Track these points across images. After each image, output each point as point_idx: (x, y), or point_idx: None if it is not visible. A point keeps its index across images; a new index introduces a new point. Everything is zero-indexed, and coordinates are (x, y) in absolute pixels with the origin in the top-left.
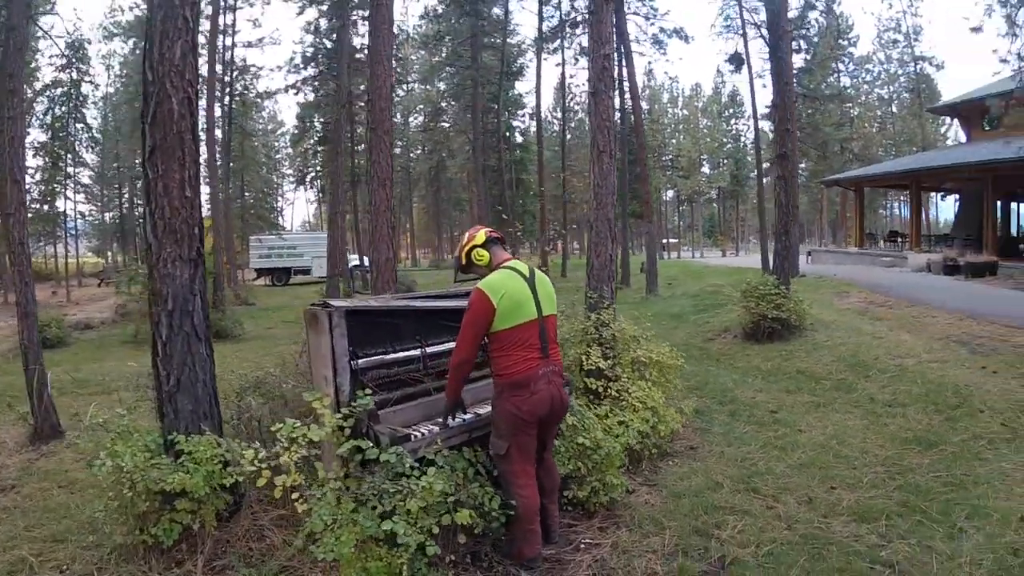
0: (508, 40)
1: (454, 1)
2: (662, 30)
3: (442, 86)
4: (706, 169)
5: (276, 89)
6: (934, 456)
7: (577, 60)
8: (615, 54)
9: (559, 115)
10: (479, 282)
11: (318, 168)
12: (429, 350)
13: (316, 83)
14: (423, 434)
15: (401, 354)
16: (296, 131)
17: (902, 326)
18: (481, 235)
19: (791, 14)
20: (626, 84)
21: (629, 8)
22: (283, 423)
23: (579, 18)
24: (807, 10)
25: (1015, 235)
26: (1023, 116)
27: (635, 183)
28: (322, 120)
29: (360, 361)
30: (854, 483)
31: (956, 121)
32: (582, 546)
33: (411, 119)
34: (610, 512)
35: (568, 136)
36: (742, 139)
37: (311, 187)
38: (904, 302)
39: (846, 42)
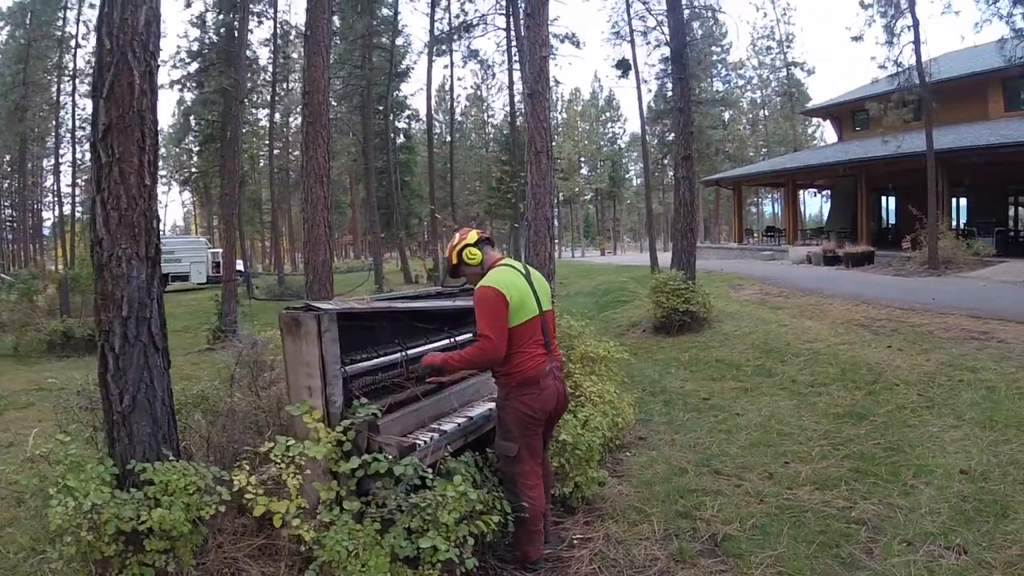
0: (396, 41)
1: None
2: (555, 35)
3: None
4: (584, 171)
5: (160, 84)
6: (867, 427)
7: (465, 63)
8: (509, 59)
9: (440, 117)
10: (482, 280)
11: (193, 169)
12: (410, 353)
13: (200, 79)
14: (425, 442)
15: (386, 359)
16: (174, 129)
17: (803, 313)
18: (473, 235)
19: None
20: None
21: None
22: (274, 441)
23: (474, 20)
24: (691, 19)
25: (886, 227)
26: (899, 117)
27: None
28: (210, 117)
29: (347, 368)
30: (805, 457)
31: (828, 122)
32: (575, 542)
33: (291, 119)
34: (590, 506)
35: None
36: (618, 142)
37: (190, 188)
38: (798, 292)
39: (719, 48)
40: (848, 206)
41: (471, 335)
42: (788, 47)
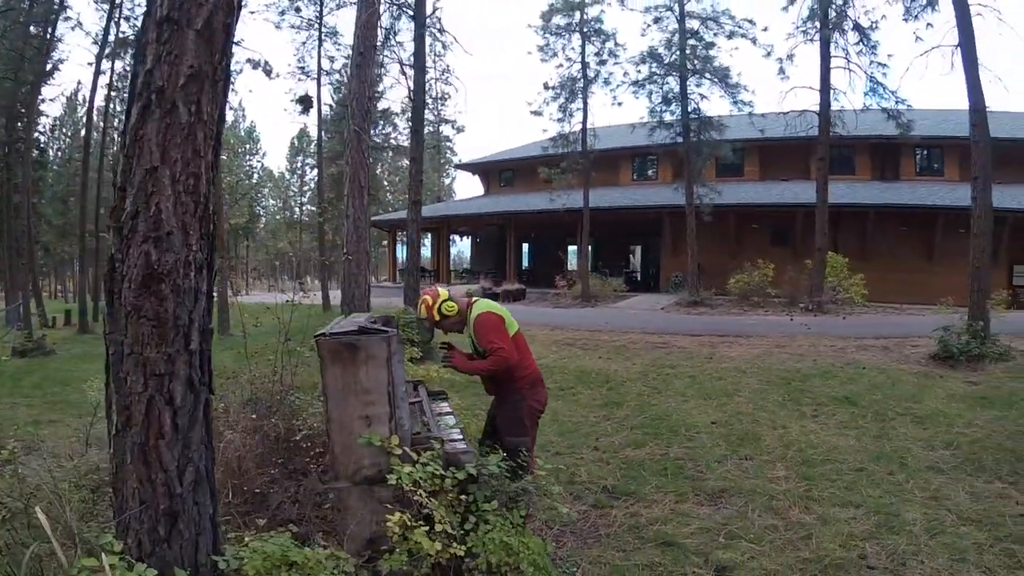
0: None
1: None
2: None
3: None
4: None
5: None
6: (628, 410)
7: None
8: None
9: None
10: (476, 309)
11: None
12: None
13: None
14: (465, 446)
15: None
16: None
17: None
18: (444, 291)
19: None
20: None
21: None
22: (396, 469)
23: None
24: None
25: (527, 267)
26: (564, 180)
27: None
28: None
29: None
30: (606, 433)
31: (476, 176)
32: None
33: None
34: None
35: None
36: (255, 176)
37: None
38: None
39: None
40: (492, 249)
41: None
42: (443, 105)
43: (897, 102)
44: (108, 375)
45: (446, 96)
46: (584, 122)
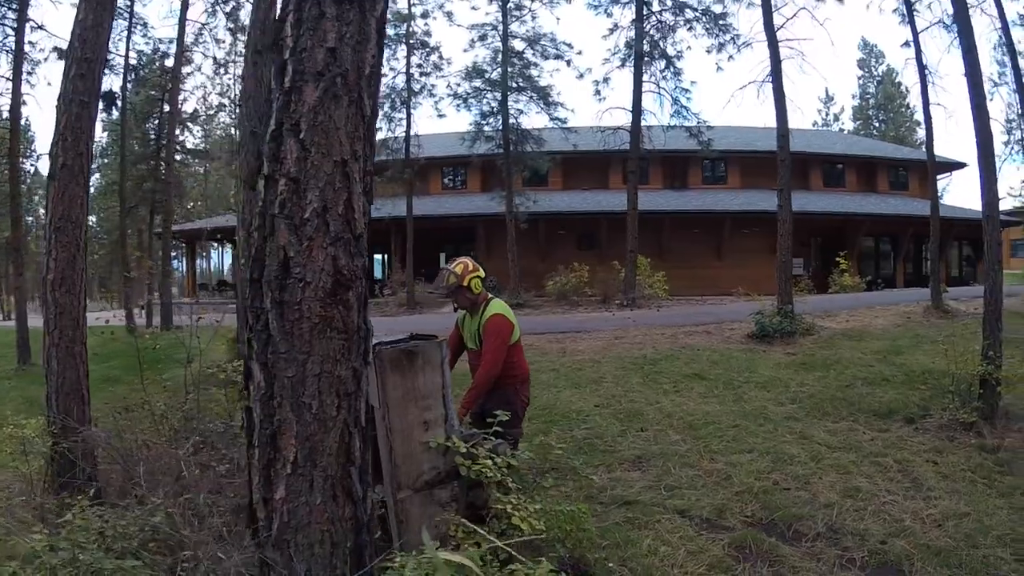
0: None
1: None
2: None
3: None
4: None
5: None
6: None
7: None
8: None
9: None
10: (498, 310)
11: None
12: None
13: None
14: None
15: None
16: None
17: None
18: (479, 269)
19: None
20: None
21: None
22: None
23: None
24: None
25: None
26: (389, 189)
27: None
28: None
29: None
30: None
31: None
32: None
33: None
34: None
35: None
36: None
37: None
38: None
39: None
40: None
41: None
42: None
43: (698, 122)
44: (250, 396)
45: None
46: (408, 131)
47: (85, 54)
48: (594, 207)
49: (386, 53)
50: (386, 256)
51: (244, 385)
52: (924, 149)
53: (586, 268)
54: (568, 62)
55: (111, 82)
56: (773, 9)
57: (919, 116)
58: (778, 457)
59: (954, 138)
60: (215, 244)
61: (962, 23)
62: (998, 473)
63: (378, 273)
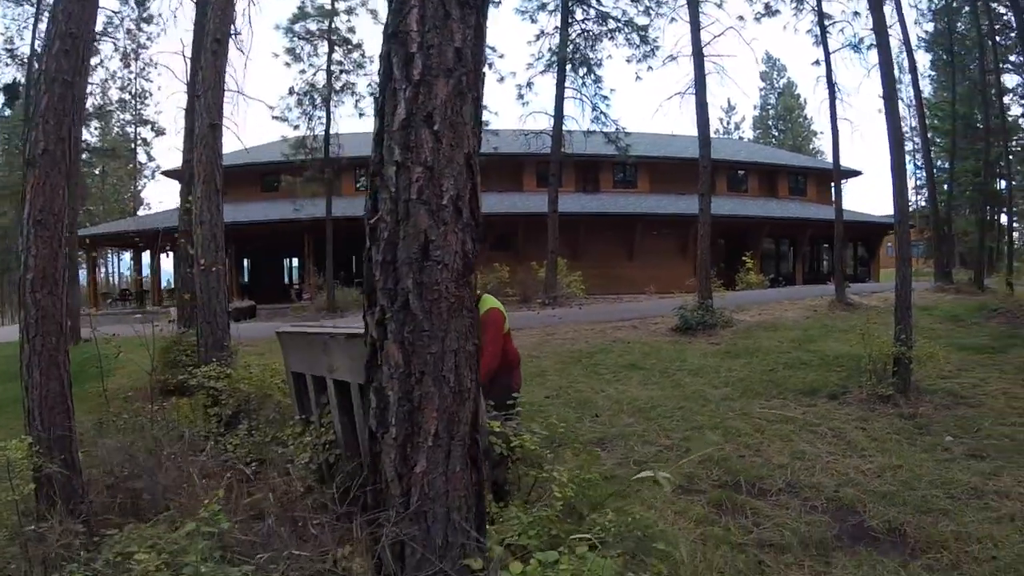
0: None
1: None
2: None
3: None
4: None
5: None
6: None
7: None
8: None
9: None
10: (491, 303)
11: None
12: None
13: None
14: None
15: None
16: None
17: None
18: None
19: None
20: None
21: None
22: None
23: None
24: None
25: (246, 283)
26: (308, 189)
27: None
28: None
29: None
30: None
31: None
32: None
33: None
34: None
35: None
36: None
37: None
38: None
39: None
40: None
41: None
42: (143, 105)
43: (616, 128)
44: (383, 377)
45: (147, 93)
46: (327, 130)
47: (70, 28)
48: (510, 209)
49: (307, 48)
50: (296, 260)
51: (369, 368)
52: (820, 158)
53: (507, 268)
54: (490, 65)
55: (13, 73)
56: (700, 27)
57: (816, 127)
58: (726, 431)
59: (848, 148)
60: (109, 251)
61: (881, 39)
62: (918, 435)
63: (287, 278)
